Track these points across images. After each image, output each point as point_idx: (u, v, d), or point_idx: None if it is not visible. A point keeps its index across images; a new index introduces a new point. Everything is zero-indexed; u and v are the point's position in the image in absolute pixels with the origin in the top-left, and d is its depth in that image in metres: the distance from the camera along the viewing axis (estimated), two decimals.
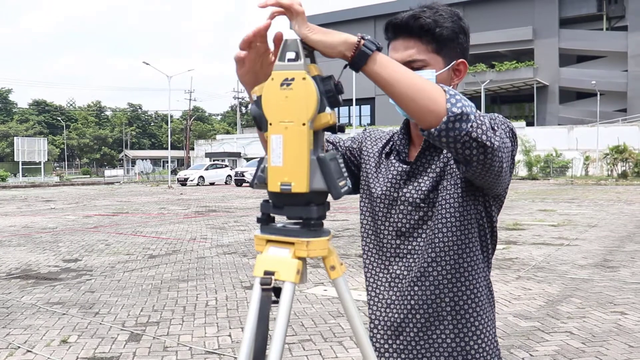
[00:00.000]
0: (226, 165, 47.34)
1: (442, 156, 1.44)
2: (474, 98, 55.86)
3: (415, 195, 1.45)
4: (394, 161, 1.52)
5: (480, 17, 56.59)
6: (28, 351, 4.98)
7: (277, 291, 1.10)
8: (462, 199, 1.40)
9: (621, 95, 52.84)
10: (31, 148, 50.05)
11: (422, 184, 1.45)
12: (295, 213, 1.14)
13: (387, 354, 1.49)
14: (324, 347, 5.00)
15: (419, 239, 1.44)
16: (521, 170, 46.81)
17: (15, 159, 50.66)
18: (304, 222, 1.13)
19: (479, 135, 1.15)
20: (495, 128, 1.22)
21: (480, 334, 1.45)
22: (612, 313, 5.95)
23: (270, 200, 1.16)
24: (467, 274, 1.43)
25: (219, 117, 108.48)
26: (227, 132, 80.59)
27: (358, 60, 1.13)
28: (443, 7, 1.44)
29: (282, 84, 1.09)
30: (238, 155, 56.33)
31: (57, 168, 76.59)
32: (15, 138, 52.70)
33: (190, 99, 69.61)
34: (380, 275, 1.50)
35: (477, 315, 1.44)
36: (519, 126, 48.52)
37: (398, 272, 1.47)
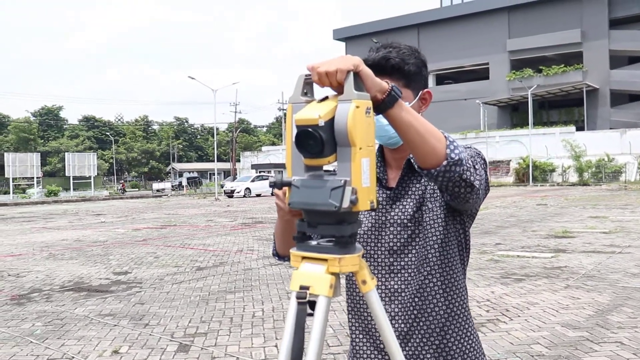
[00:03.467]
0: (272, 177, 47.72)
1: (422, 180, 1.63)
2: (521, 104, 54.98)
3: (402, 217, 1.62)
4: (376, 187, 1.63)
5: (527, 20, 55.71)
6: None
7: (313, 304, 1.19)
8: (445, 218, 1.61)
9: None
10: (81, 163, 51.42)
11: (406, 206, 1.63)
12: (328, 231, 1.21)
13: None
14: None
15: (410, 255, 1.62)
16: (571, 177, 45.74)
17: (66, 174, 52.19)
18: (337, 240, 1.20)
19: (468, 177, 1.38)
20: (476, 166, 1.45)
21: (473, 337, 1.67)
22: None
23: (305, 219, 1.24)
24: (456, 284, 1.64)
25: (264, 129, 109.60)
26: (273, 144, 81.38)
27: (388, 102, 1.27)
28: (403, 45, 1.64)
29: (366, 112, 1.18)
30: (284, 166, 56.56)
31: (107, 181, 78.66)
32: (66, 154, 54.29)
33: (235, 112, 70.60)
34: (379, 291, 1.63)
35: (469, 320, 1.67)
36: (569, 131, 47.49)
37: (396, 286, 1.63)
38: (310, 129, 1.15)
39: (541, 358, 4.90)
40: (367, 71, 1.23)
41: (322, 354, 1.36)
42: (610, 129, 48.77)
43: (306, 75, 1.23)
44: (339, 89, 1.20)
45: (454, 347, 1.62)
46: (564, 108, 57.23)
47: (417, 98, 1.63)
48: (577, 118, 54.64)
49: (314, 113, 1.16)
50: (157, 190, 56.14)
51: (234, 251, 12.06)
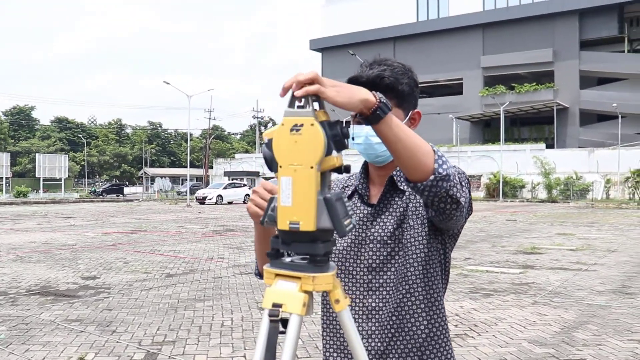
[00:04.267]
0: (244, 185, 47.57)
1: (404, 197, 1.63)
2: (493, 119, 55.76)
3: (382, 234, 1.61)
4: (358, 204, 1.68)
5: (500, 38, 56.68)
6: None
7: (285, 322, 1.18)
8: (428, 237, 1.59)
9: None
10: (52, 164, 50.72)
11: (387, 223, 1.61)
12: (302, 250, 1.20)
13: None
14: None
15: (389, 273, 1.60)
16: (540, 193, 46.46)
17: (36, 175, 51.38)
18: (311, 258, 1.20)
19: (454, 193, 1.37)
20: (463, 184, 1.44)
21: (451, 358, 1.65)
22: (629, 341, 5.90)
23: (279, 237, 1.23)
24: (437, 303, 1.62)
25: (238, 136, 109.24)
26: (246, 151, 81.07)
27: (373, 118, 1.26)
28: (397, 63, 1.62)
29: (291, 130, 1.15)
30: (257, 174, 56.56)
31: (78, 184, 77.42)
32: (37, 154, 53.48)
33: (209, 118, 70.18)
34: (357, 308, 1.62)
35: (448, 340, 1.65)
36: (539, 148, 48.26)
37: (374, 304, 1.61)
38: (264, 145, 1.23)
39: None
40: (338, 99, 1.19)
41: None
42: (579, 147, 49.77)
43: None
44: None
45: None
46: (535, 125, 58.31)
47: (407, 118, 1.63)
48: (547, 135, 55.70)
49: (269, 131, 1.21)
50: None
51: (205, 259, 11.98)
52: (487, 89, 57.28)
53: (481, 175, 49.53)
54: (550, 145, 50.81)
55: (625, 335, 6.13)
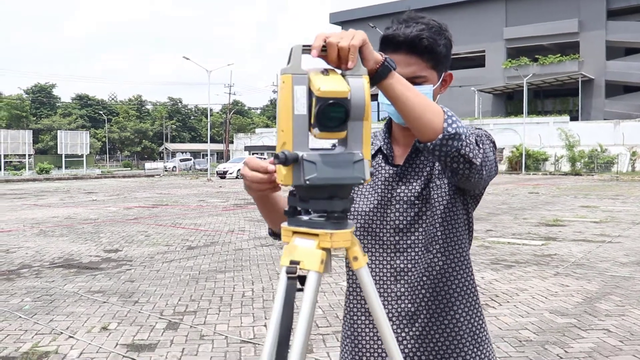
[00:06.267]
0: (265, 159, 47.61)
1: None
2: (516, 92, 54.95)
3: (409, 194, 1.58)
4: (382, 164, 1.64)
5: (524, 9, 55.51)
6: (70, 337, 5.15)
7: (303, 280, 1.16)
8: (451, 196, 1.56)
9: None
10: (74, 141, 51.14)
11: (414, 183, 1.58)
12: (319, 206, 1.18)
13: (404, 342, 1.56)
14: None
15: (416, 233, 1.56)
16: (564, 166, 45.85)
17: (58, 152, 51.86)
18: (328, 215, 1.18)
19: (467, 153, 1.33)
20: (480, 145, 1.39)
21: (482, 315, 1.64)
22: None
23: (296, 194, 1.21)
24: (465, 262, 1.60)
25: (258, 111, 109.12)
26: (267, 126, 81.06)
27: (381, 72, 1.23)
28: (433, 21, 1.55)
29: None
30: (275, 148, 56.50)
31: (99, 160, 78.13)
32: (58, 131, 53.91)
33: (229, 93, 70.19)
34: (385, 270, 1.58)
35: (477, 299, 1.63)
36: (563, 121, 47.51)
37: (402, 265, 1.57)
38: (340, 102, 1.11)
39: (529, 343, 4.92)
40: (370, 47, 1.21)
41: (310, 333, 1.35)
42: (604, 119, 48.85)
43: (304, 46, 1.17)
44: (337, 62, 1.16)
45: (463, 327, 1.58)
46: (559, 97, 57.23)
47: (440, 80, 1.59)
48: (571, 108, 54.69)
49: (343, 86, 1.12)
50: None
51: (225, 231, 12.05)
52: (510, 61, 56.29)
53: (504, 149, 48.96)
54: (574, 118, 49.96)
55: None
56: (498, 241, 10.46)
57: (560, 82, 53.24)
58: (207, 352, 4.78)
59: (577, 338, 5.03)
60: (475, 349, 1.59)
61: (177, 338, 5.13)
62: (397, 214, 1.58)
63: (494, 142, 1.54)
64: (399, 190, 1.59)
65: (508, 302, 6.26)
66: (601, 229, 12.08)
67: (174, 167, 60.18)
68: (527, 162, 46.16)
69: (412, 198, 1.57)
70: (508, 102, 59.25)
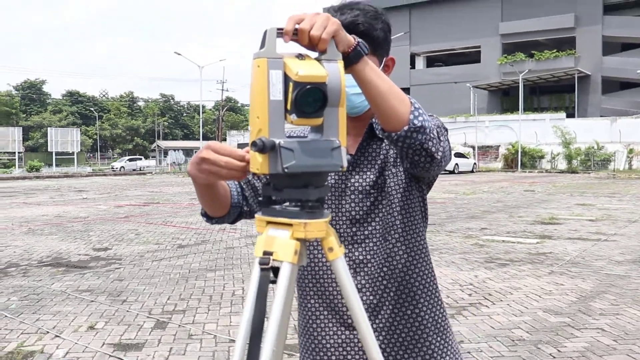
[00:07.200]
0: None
1: (383, 145, 1.57)
2: (512, 88, 54.91)
3: (364, 184, 1.55)
4: None
5: (519, 4, 55.40)
6: (56, 336, 5.07)
7: (276, 271, 1.13)
8: (407, 184, 1.56)
9: None
10: (64, 139, 50.59)
11: (367, 173, 1.55)
12: (293, 195, 1.14)
13: None
14: None
15: (373, 224, 1.54)
16: (560, 164, 45.84)
17: (48, 150, 51.39)
18: (303, 204, 1.14)
19: (430, 147, 1.32)
20: (441, 138, 1.39)
21: (442, 303, 1.64)
22: None
23: (270, 183, 1.17)
24: (424, 250, 1.60)
25: None
26: None
27: (353, 57, 1.21)
28: (369, 6, 1.55)
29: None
30: None
31: (90, 157, 77.45)
32: (48, 129, 53.36)
33: (222, 89, 69.87)
34: None
35: (437, 286, 1.63)
36: (559, 118, 47.46)
37: (361, 257, 1.54)
38: (319, 87, 1.08)
39: (522, 343, 4.85)
40: (344, 31, 1.19)
41: (287, 326, 1.27)
42: (601, 116, 48.82)
43: (278, 29, 1.12)
44: (310, 47, 1.14)
45: (427, 317, 1.57)
46: (555, 94, 57.15)
47: (382, 65, 1.56)
48: (567, 104, 54.61)
49: (321, 70, 1.09)
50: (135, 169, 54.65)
51: (217, 229, 11.96)
52: (505, 57, 56.18)
53: (499, 146, 48.99)
54: (570, 115, 49.91)
55: None
56: (492, 239, 10.39)
57: (557, 78, 53.17)
58: (195, 352, 4.70)
59: (570, 337, 4.96)
60: (439, 338, 1.59)
61: (165, 337, 5.05)
62: (352, 204, 1.55)
63: (446, 130, 1.53)
64: (352, 180, 1.56)
65: (501, 300, 6.18)
66: (597, 227, 12.02)
67: (122, 167, 56.45)
68: (522, 160, 46.17)
69: (367, 187, 1.54)
70: (504, 98, 59.16)
